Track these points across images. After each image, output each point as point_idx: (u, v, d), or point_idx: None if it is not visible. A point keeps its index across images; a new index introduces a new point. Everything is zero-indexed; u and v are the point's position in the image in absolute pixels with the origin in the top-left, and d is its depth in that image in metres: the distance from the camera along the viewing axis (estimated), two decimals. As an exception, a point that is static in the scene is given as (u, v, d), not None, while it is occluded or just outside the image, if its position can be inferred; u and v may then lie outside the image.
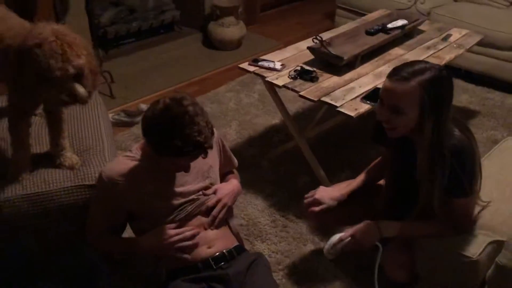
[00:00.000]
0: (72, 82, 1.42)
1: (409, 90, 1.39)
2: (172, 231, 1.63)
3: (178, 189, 1.69)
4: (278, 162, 2.63)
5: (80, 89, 1.44)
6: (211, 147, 1.54)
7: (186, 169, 1.62)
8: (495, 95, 3.29)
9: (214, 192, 1.76)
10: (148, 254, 1.72)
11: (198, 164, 1.66)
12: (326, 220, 1.86)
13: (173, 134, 1.44)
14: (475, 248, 1.44)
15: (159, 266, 1.73)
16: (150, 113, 1.50)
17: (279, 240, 2.14)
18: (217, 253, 1.68)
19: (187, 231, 1.65)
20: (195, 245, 1.65)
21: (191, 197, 1.72)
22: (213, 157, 1.79)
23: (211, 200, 1.73)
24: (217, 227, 1.73)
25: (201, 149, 1.51)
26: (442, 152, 1.41)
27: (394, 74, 1.43)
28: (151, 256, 1.76)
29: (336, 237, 1.66)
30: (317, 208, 1.75)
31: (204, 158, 1.58)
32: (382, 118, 1.48)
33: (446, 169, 1.42)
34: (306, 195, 1.83)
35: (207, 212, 1.73)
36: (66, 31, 1.46)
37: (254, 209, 2.32)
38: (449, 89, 1.43)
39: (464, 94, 3.28)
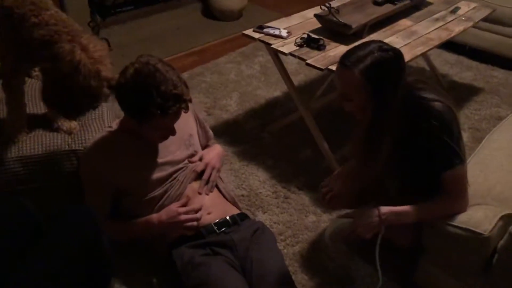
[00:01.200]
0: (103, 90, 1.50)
1: (351, 78, 1.42)
2: (181, 209, 1.64)
3: (164, 159, 1.70)
4: (279, 135, 2.59)
5: (106, 91, 1.52)
6: (190, 100, 1.55)
7: (172, 132, 1.61)
8: (499, 72, 3.25)
9: (200, 159, 1.79)
10: (157, 233, 1.69)
11: (178, 133, 1.67)
12: (340, 206, 1.86)
13: (150, 94, 1.45)
14: (486, 224, 1.40)
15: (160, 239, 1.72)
16: (122, 80, 1.49)
17: (281, 211, 2.11)
18: (219, 219, 1.67)
19: (191, 207, 1.66)
20: (200, 217, 1.65)
21: (178, 166, 1.73)
22: (191, 126, 1.83)
23: (199, 166, 1.76)
24: (211, 191, 1.76)
25: (181, 101, 1.50)
26: (422, 127, 1.41)
27: (340, 61, 1.46)
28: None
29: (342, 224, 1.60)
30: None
31: (185, 112, 1.57)
32: (338, 104, 1.55)
33: (432, 143, 1.42)
34: (323, 187, 1.77)
35: (198, 178, 1.76)
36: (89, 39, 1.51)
37: (256, 181, 2.28)
38: (395, 71, 1.43)
39: (468, 72, 3.24)
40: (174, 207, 1.66)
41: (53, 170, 1.73)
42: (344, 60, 1.45)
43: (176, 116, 1.56)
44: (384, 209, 1.50)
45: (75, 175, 1.73)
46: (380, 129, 1.46)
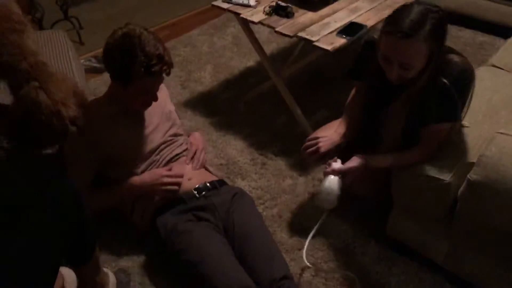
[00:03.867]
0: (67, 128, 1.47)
1: (416, 47, 1.37)
2: (164, 172, 1.74)
3: (149, 130, 1.79)
4: (255, 104, 2.64)
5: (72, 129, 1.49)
6: (172, 65, 1.67)
7: (154, 96, 1.70)
8: (466, 32, 3.34)
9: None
10: (139, 193, 1.75)
11: (159, 105, 1.81)
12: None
13: (135, 53, 1.55)
14: (447, 171, 1.50)
15: (142, 210, 1.78)
16: (111, 40, 1.61)
17: (259, 177, 2.18)
18: (199, 184, 1.74)
19: (173, 172, 1.76)
20: (181, 181, 1.74)
21: (165, 138, 1.82)
22: (169, 102, 1.96)
23: (190, 152, 1.88)
24: (198, 169, 1.86)
25: (164, 62, 1.61)
26: (441, 81, 1.42)
27: (396, 30, 1.37)
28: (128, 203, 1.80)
29: (330, 182, 1.57)
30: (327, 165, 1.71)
31: (168, 74, 1.67)
32: (393, 77, 1.46)
33: (443, 97, 1.44)
34: (307, 144, 1.73)
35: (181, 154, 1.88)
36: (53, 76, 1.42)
37: (233, 149, 2.34)
38: (446, 28, 1.40)
39: (436, 33, 3.31)
40: (158, 170, 1.75)
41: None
42: (400, 29, 1.35)
43: (159, 77, 1.65)
44: (367, 156, 1.58)
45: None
46: (433, 84, 1.43)
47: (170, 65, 1.64)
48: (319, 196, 1.61)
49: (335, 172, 1.59)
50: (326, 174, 1.60)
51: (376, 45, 1.49)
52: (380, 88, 1.60)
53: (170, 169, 1.76)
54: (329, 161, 1.63)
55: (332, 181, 1.57)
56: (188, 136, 2.00)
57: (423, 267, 1.74)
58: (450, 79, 1.44)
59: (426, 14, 1.36)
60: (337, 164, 1.60)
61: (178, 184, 1.74)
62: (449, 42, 2.68)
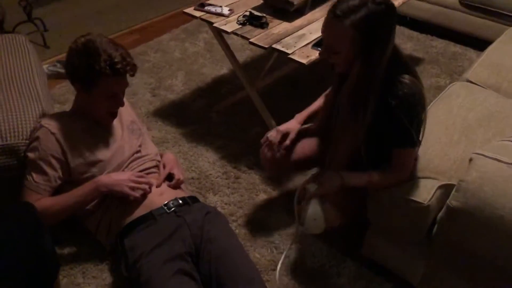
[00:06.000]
0: None
1: (341, 30, 1.34)
2: (131, 172, 1.73)
3: (117, 143, 1.76)
4: (228, 114, 2.57)
5: None
6: (136, 67, 1.67)
7: (120, 101, 1.69)
8: (438, 42, 3.35)
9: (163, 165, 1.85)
10: (104, 192, 1.66)
11: (123, 118, 1.82)
12: (283, 166, 1.84)
13: (99, 53, 1.57)
14: (425, 194, 1.46)
15: (108, 226, 1.69)
16: (73, 45, 1.63)
17: (232, 192, 2.11)
18: (170, 200, 1.69)
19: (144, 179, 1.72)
20: (149, 190, 1.69)
21: (133, 151, 1.79)
22: (131, 113, 1.93)
23: (164, 173, 1.81)
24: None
25: (127, 62, 1.61)
26: (388, 101, 1.39)
27: (331, 10, 1.37)
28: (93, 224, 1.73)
29: (314, 206, 1.53)
30: (286, 143, 1.75)
31: (131, 75, 1.66)
32: (322, 56, 1.47)
33: (392, 120, 1.41)
34: (262, 140, 1.81)
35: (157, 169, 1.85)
36: None
37: (205, 162, 2.27)
38: (387, 27, 1.36)
39: (409, 42, 3.32)
40: (128, 172, 1.72)
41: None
42: (334, 10, 1.35)
43: (123, 78, 1.65)
44: (343, 173, 1.52)
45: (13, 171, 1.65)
46: (367, 85, 1.40)
47: (133, 66, 1.65)
48: (306, 225, 1.55)
49: (314, 196, 1.54)
50: (307, 199, 1.54)
51: None
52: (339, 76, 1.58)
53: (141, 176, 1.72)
54: (305, 185, 1.58)
55: (315, 206, 1.52)
56: (161, 156, 1.93)
57: (399, 288, 1.71)
58: (397, 101, 1.40)
59: (366, 3, 1.33)
60: (313, 187, 1.54)
61: (145, 190, 1.68)
62: (421, 52, 2.64)
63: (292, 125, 1.80)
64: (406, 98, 1.40)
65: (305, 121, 1.83)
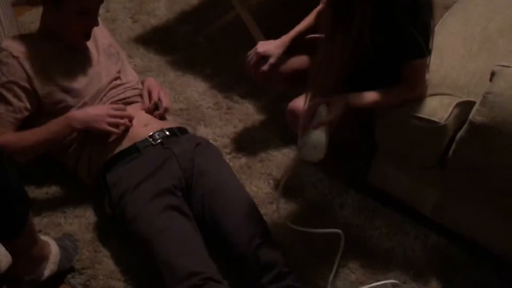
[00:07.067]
0: None
1: None
2: (109, 105, 1.55)
3: (93, 68, 1.58)
4: (217, 38, 2.34)
5: None
6: None
7: (94, 19, 1.50)
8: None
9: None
10: (79, 128, 1.49)
11: (98, 41, 1.64)
12: (275, 79, 1.68)
13: None
14: (442, 112, 1.29)
15: (88, 162, 1.55)
16: None
17: (224, 123, 1.94)
18: (156, 131, 1.54)
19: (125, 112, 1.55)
20: (130, 123, 1.54)
21: (111, 77, 1.60)
22: (107, 36, 1.74)
23: (150, 96, 1.68)
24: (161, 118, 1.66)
25: None
26: (387, 6, 1.22)
27: None
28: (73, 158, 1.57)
29: (319, 134, 1.34)
30: (265, 67, 1.61)
31: None
32: None
33: (395, 30, 1.24)
34: (248, 54, 1.66)
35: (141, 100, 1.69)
36: None
37: (194, 92, 2.07)
38: None
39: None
40: (105, 105, 1.55)
41: None
42: None
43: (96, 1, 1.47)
44: (349, 95, 1.35)
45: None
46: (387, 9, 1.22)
47: None
48: (303, 150, 1.36)
49: (324, 122, 1.35)
50: (315, 124, 1.35)
51: None
52: None
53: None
54: (316, 107, 1.38)
55: (320, 133, 1.33)
56: (142, 84, 1.74)
57: (407, 218, 1.58)
58: (399, 6, 1.22)
59: None
60: (324, 109, 1.34)
61: (127, 126, 1.52)
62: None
63: (274, 46, 1.63)
64: (411, 5, 1.22)
65: (294, 41, 1.65)
